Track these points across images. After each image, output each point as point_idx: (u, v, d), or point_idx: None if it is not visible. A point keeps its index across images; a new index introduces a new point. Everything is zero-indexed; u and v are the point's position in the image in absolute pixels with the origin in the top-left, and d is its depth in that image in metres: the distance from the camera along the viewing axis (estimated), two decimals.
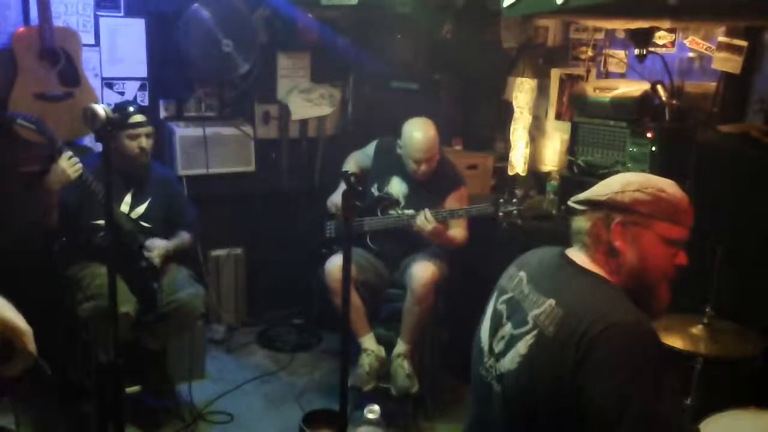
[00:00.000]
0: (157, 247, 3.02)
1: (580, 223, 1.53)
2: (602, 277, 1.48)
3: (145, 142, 3.00)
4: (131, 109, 3.01)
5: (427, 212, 3.07)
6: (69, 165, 2.76)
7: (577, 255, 1.53)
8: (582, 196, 1.55)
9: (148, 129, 3.02)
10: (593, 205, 1.51)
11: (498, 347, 1.53)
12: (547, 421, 1.39)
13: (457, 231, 3.23)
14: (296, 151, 4.27)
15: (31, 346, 1.32)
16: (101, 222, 2.84)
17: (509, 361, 1.47)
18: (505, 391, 1.49)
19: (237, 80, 3.82)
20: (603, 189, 1.52)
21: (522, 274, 1.59)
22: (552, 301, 1.43)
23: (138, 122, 2.97)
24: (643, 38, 2.98)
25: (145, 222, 3.07)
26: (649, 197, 1.46)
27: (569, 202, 1.58)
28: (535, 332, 1.42)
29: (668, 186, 1.49)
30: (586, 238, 1.51)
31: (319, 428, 2.68)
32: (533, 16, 3.58)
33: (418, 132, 3.22)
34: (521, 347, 1.44)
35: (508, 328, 1.52)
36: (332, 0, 3.91)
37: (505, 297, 1.60)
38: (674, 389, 1.38)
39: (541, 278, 1.53)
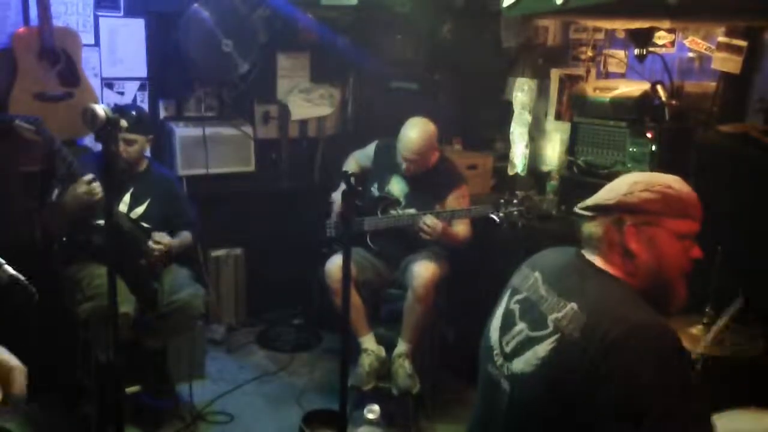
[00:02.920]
0: (164, 240, 3.02)
1: (592, 228, 1.52)
2: (620, 279, 1.47)
3: (122, 147, 2.98)
4: (124, 112, 2.99)
5: (430, 216, 3.07)
6: (86, 191, 2.73)
7: (593, 257, 1.52)
8: (590, 201, 1.54)
9: (129, 136, 2.97)
10: (602, 209, 1.51)
11: (509, 347, 1.53)
12: (550, 425, 1.39)
13: (460, 228, 3.23)
14: (296, 151, 4.27)
15: (20, 382, 1.32)
16: (101, 222, 2.84)
17: (524, 363, 1.46)
18: (515, 392, 1.48)
19: (237, 80, 3.82)
20: (610, 193, 1.51)
21: (537, 274, 1.58)
22: (574, 305, 1.42)
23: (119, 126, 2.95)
24: (642, 38, 2.97)
25: (144, 222, 3.07)
26: (658, 195, 1.45)
27: (576, 209, 1.57)
28: (556, 336, 1.41)
29: (674, 182, 1.49)
30: (599, 243, 1.50)
31: (319, 428, 2.68)
32: (533, 16, 3.58)
33: (412, 131, 3.22)
34: (540, 351, 1.43)
35: (521, 329, 1.51)
36: (332, 0, 3.91)
37: (518, 297, 1.59)
38: (696, 387, 1.38)
39: (558, 280, 1.52)
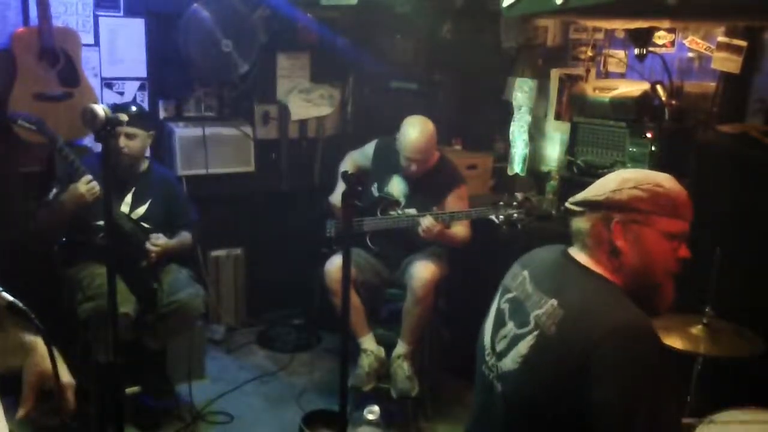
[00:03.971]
0: (160, 242, 3.02)
1: (580, 224, 1.52)
2: (604, 277, 1.47)
3: (123, 142, 2.98)
4: (124, 108, 3.00)
5: (429, 218, 3.07)
6: (87, 189, 2.78)
7: (579, 254, 1.53)
8: (579, 196, 1.54)
9: (130, 130, 2.98)
10: (591, 205, 1.50)
11: (500, 346, 1.54)
12: (546, 422, 1.39)
13: (459, 229, 3.23)
14: (296, 151, 4.27)
15: (71, 400, 1.31)
16: (101, 222, 2.84)
17: (510, 361, 1.47)
18: (506, 391, 1.49)
19: (237, 80, 3.82)
20: (600, 188, 1.51)
21: (525, 273, 1.59)
22: (554, 301, 1.43)
23: (117, 121, 2.95)
24: (642, 38, 2.97)
25: (146, 223, 3.07)
26: (647, 194, 1.45)
27: (567, 204, 1.57)
28: (536, 332, 1.42)
29: (665, 180, 1.48)
30: (586, 239, 1.51)
31: (319, 428, 2.68)
32: (533, 16, 3.57)
33: (414, 131, 3.21)
34: (522, 347, 1.44)
35: (510, 328, 1.52)
36: (332, 0, 3.91)
37: (508, 296, 1.60)
38: (674, 389, 1.39)
39: (544, 277, 1.53)
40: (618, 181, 1.49)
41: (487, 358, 1.58)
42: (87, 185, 2.78)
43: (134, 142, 3.02)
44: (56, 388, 1.28)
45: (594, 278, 1.47)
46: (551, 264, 1.56)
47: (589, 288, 1.45)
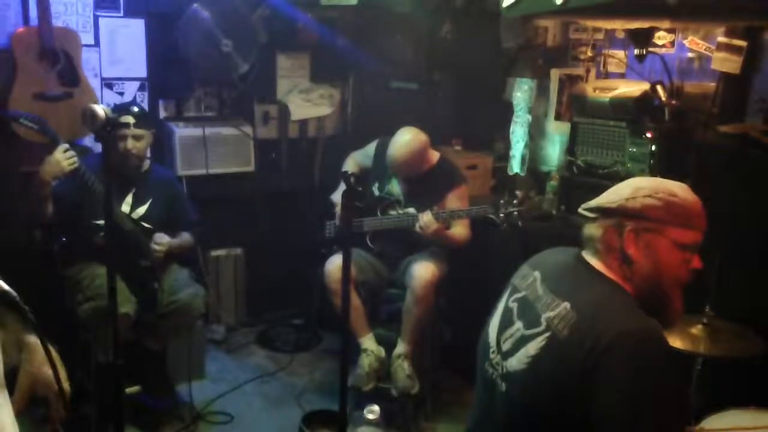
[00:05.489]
0: (164, 241, 3.03)
1: (592, 230, 1.52)
2: (616, 283, 1.47)
3: (131, 144, 2.97)
4: (127, 109, 3.00)
5: (428, 214, 3.07)
6: (64, 157, 2.76)
7: (591, 259, 1.52)
8: (593, 203, 1.54)
9: (137, 131, 2.98)
10: (604, 212, 1.50)
11: (506, 345, 1.53)
12: (550, 423, 1.39)
13: (459, 230, 3.23)
14: (296, 151, 4.27)
15: (63, 407, 1.30)
16: (101, 222, 2.84)
17: (517, 361, 1.47)
18: (510, 390, 1.49)
19: (236, 80, 3.82)
20: (613, 195, 1.50)
21: (536, 274, 1.59)
22: (567, 304, 1.42)
23: (123, 123, 2.95)
24: (642, 38, 2.97)
25: (146, 222, 3.07)
26: (661, 203, 1.44)
27: (580, 210, 1.56)
28: (547, 334, 1.42)
29: (679, 190, 1.47)
30: (598, 245, 1.50)
31: (319, 428, 2.68)
32: (533, 16, 3.57)
33: (398, 144, 3.21)
34: (531, 348, 1.44)
35: (518, 327, 1.52)
36: (332, 0, 3.91)
37: (517, 296, 1.60)
38: (682, 396, 1.39)
39: (556, 280, 1.53)
40: (632, 189, 1.48)
41: (492, 356, 1.58)
42: (64, 153, 2.76)
43: (141, 142, 3.02)
44: (51, 395, 1.27)
45: (606, 283, 1.47)
46: (564, 266, 1.56)
47: (601, 293, 1.45)
